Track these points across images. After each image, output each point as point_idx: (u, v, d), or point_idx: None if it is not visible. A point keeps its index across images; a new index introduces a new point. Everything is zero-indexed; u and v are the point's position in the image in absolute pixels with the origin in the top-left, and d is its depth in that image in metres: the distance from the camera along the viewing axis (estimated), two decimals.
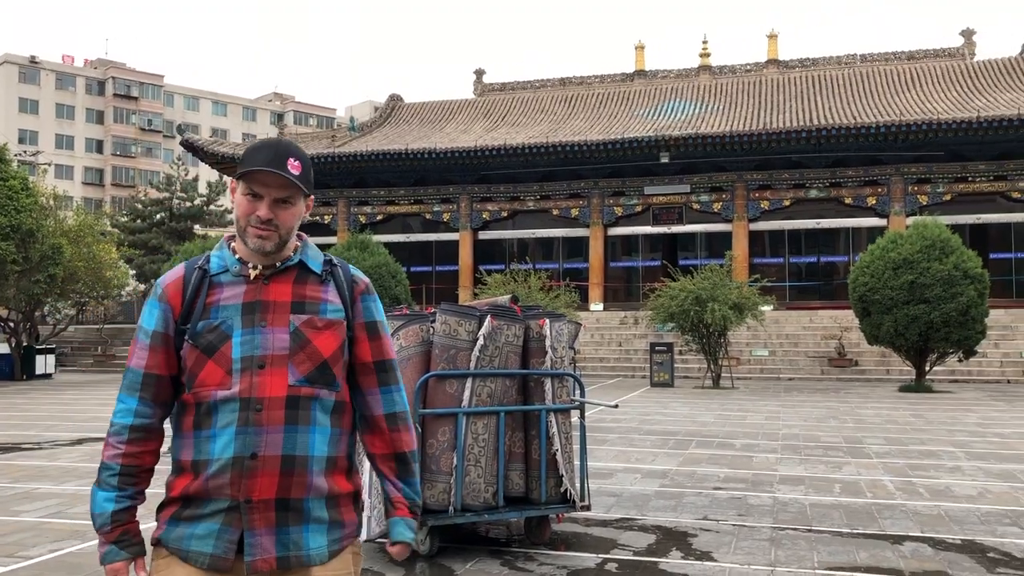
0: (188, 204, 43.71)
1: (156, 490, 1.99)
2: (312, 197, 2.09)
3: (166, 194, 43.70)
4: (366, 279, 2.16)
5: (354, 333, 2.09)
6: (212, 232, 39.80)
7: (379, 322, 2.14)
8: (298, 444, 1.95)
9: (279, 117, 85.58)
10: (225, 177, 40.04)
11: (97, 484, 1.99)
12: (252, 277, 2.01)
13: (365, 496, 5.25)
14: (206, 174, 49.32)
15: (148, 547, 2.01)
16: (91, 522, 2.00)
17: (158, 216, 43.37)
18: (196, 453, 1.95)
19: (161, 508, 2.01)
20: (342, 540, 2.03)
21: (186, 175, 44.60)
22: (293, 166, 1.99)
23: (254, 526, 1.92)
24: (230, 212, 47.55)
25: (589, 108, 36.11)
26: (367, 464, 4.48)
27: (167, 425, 2.06)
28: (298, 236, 2.09)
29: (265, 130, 78.86)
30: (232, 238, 2.09)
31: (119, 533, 1.97)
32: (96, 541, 2.00)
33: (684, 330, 21.20)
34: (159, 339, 2.01)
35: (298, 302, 2.02)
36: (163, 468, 1.98)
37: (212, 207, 44.94)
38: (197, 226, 43.68)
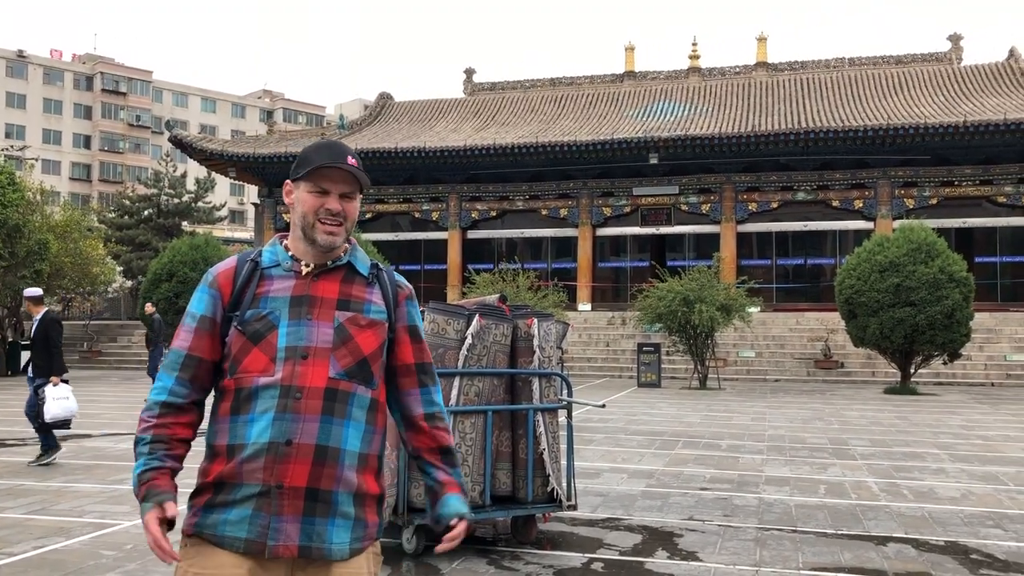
0: (176, 201, 43.47)
1: (188, 486, 2.00)
2: (362, 193, 2.19)
3: (154, 190, 43.45)
4: (409, 286, 2.26)
5: (396, 335, 2.18)
6: (200, 229, 39.62)
7: (420, 326, 2.25)
8: (332, 435, 2.01)
9: (268, 114, 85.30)
10: (213, 173, 39.84)
11: (135, 458, 2.05)
12: (303, 273, 2.10)
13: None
14: (194, 170, 49.04)
15: (181, 508, 2.03)
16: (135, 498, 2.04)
17: (146, 212, 43.11)
18: (232, 437, 2.01)
19: (194, 496, 2.05)
20: (364, 540, 2.07)
21: (174, 171, 44.36)
22: (352, 162, 2.11)
23: (282, 512, 1.96)
24: (218, 208, 47.36)
25: (579, 108, 36.15)
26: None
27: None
28: (347, 240, 2.17)
29: (254, 127, 78.50)
30: (283, 236, 2.19)
31: (146, 489, 1.99)
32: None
33: (671, 331, 21.26)
34: (206, 323, 2.09)
35: (344, 300, 2.10)
36: (193, 462, 1.99)
37: (200, 204, 44.71)
38: (185, 223, 43.46)
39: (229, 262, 2.16)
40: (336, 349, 2.04)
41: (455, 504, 2.16)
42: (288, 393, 1.99)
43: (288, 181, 2.17)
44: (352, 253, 2.17)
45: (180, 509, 1.97)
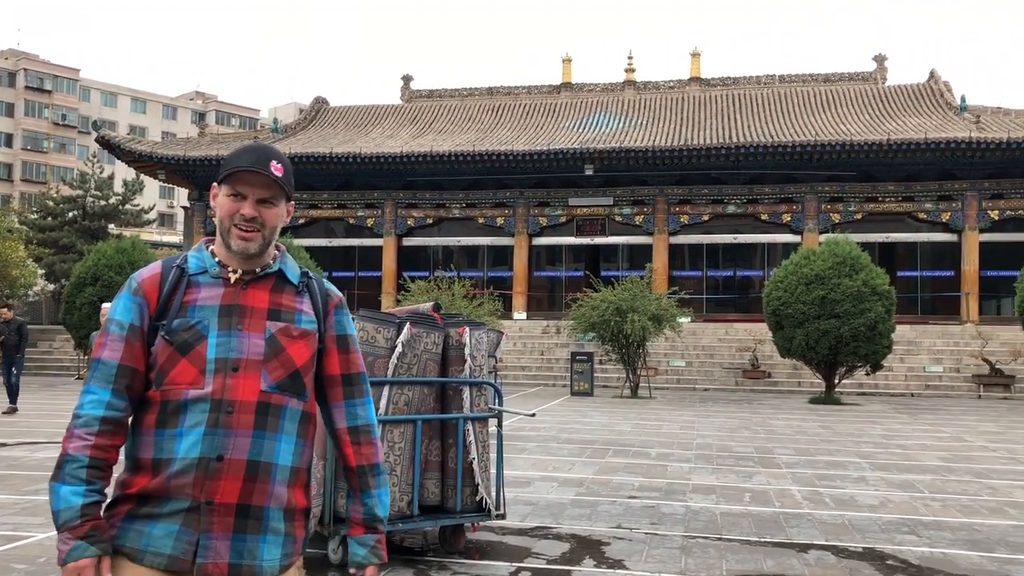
0: (103, 203, 42.30)
1: None
2: (293, 202, 2.14)
3: (79, 191, 42.22)
4: (339, 293, 2.20)
5: (325, 345, 2.12)
6: (127, 232, 38.61)
7: (350, 335, 2.18)
8: (264, 450, 1.96)
9: (201, 116, 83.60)
10: (142, 175, 38.89)
11: (58, 479, 1.89)
12: (232, 281, 2.04)
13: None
14: (123, 172, 47.76)
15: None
16: (52, 520, 1.90)
17: (70, 214, 41.86)
18: (157, 451, 1.93)
19: (111, 506, 1.96)
20: (292, 555, 2.03)
21: (101, 172, 43.18)
22: (276, 168, 2.05)
23: (211, 529, 1.91)
24: (147, 211, 46.25)
25: (516, 118, 36.32)
26: None
27: None
28: (276, 246, 2.13)
29: (186, 129, 76.86)
30: (210, 241, 2.11)
31: (88, 528, 1.87)
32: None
33: (604, 340, 21.46)
34: (135, 332, 2.00)
35: (274, 309, 2.05)
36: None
37: (128, 206, 43.60)
38: (112, 225, 42.32)
39: (154, 267, 2.08)
40: (268, 361, 1.99)
41: (357, 552, 2.11)
42: (219, 407, 1.93)
43: (215, 184, 2.11)
44: (282, 260, 2.12)
45: None
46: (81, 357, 27.13)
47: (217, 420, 1.93)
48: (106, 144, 33.14)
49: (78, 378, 26.86)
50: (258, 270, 2.07)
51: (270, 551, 1.97)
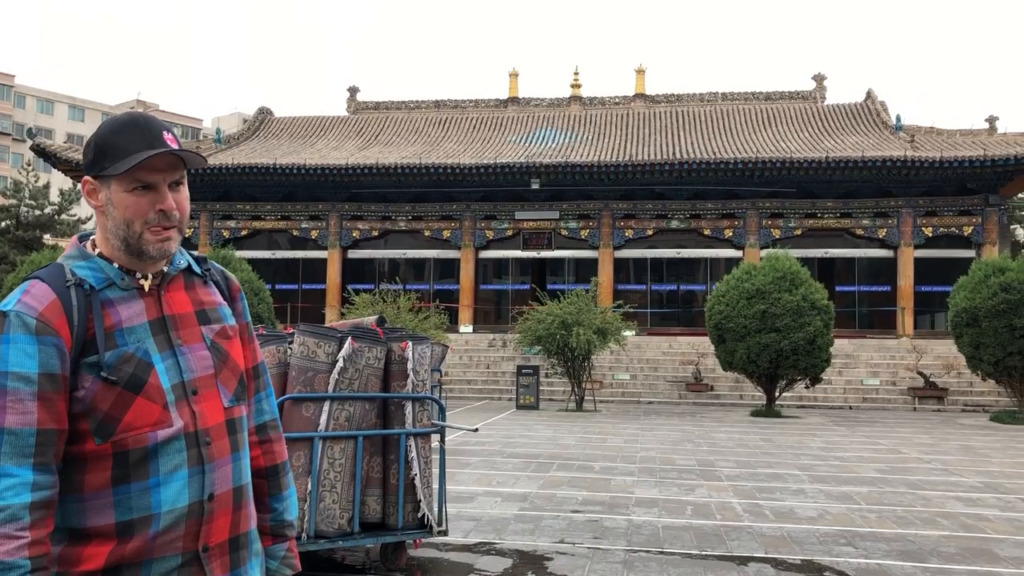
0: (38, 212, 41.26)
1: None
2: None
3: (13, 201, 41.12)
4: (235, 277, 1.96)
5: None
6: (63, 243, 37.66)
7: (250, 323, 1.94)
8: (243, 472, 1.77)
9: None
10: (79, 185, 38.03)
11: None
12: (146, 288, 1.72)
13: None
14: (59, 181, 46.71)
15: None
16: None
17: (3, 224, 40.73)
18: (123, 513, 1.60)
19: None
20: (264, 571, 1.88)
21: (36, 181, 42.13)
22: (171, 139, 1.71)
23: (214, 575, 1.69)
24: (84, 222, 45.16)
25: (463, 132, 36.35)
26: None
27: None
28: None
29: None
30: (86, 243, 1.75)
31: None
32: None
33: (550, 353, 21.51)
34: (50, 383, 1.58)
35: (200, 311, 1.78)
36: None
37: (65, 216, 42.58)
38: (48, 236, 41.26)
39: (42, 293, 1.63)
40: (219, 373, 1.75)
41: (268, 565, 1.91)
42: (196, 441, 1.67)
43: (88, 178, 1.72)
44: (181, 252, 1.81)
45: None
46: None
47: (200, 456, 1.67)
48: (41, 152, 32.31)
49: None
50: (165, 268, 1.75)
51: (255, 574, 1.81)
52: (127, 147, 1.67)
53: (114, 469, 1.61)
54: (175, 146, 1.70)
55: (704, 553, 6.53)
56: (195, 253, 1.88)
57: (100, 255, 1.72)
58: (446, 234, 32.62)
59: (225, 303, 1.85)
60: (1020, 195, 34.84)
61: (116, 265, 1.72)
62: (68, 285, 1.65)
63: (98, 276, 1.70)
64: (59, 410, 1.59)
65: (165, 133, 1.71)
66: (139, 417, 1.63)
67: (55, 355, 1.60)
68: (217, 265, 1.90)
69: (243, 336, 1.89)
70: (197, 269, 1.83)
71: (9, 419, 1.54)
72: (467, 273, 32.48)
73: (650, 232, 31.67)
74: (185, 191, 1.76)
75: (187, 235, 33.46)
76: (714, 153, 30.06)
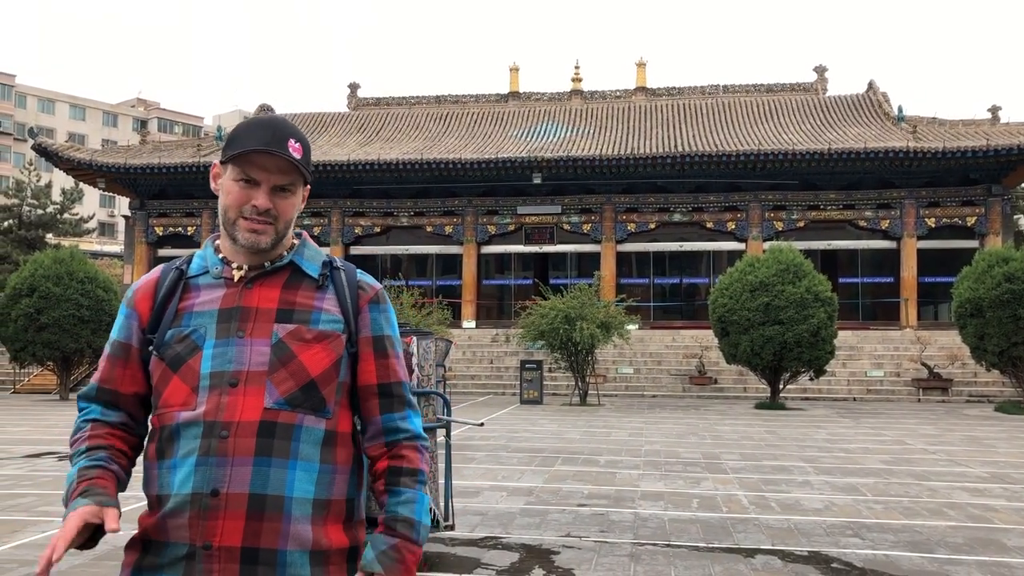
0: (40, 212, 41.28)
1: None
2: (309, 186, 1.84)
3: (15, 200, 41.14)
4: (377, 285, 1.84)
5: (358, 349, 1.77)
6: (66, 242, 37.68)
7: (387, 337, 1.81)
8: (271, 481, 1.62)
9: (142, 124, 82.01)
10: (81, 184, 38.01)
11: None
12: (235, 279, 1.74)
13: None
14: (61, 180, 46.66)
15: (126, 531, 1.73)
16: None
17: (6, 223, 40.76)
18: (159, 487, 1.66)
19: (127, 549, 1.70)
20: None
21: (38, 181, 42.16)
22: (294, 148, 1.73)
23: None
24: (86, 221, 45.18)
25: (464, 127, 36.30)
26: None
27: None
28: (296, 234, 1.83)
29: (127, 137, 75.28)
30: (218, 236, 1.81)
31: (85, 485, 1.62)
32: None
33: (553, 348, 21.51)
34: (120, 350, 1.77)
35: (285, 309, 1.72)
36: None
37: (67, 215, 42.60)
38: (50, 235, 41.30)
39: (152, 274, 1.82)
40: (274, 372, 1.66)
41: (365, 554, 1.71)
42: (212, 431, 1.62)
43: (216, 162, 1.80)
44: (299, 251, 1.80)
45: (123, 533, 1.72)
46: (16, 370, 26.35)
47: (209, 447, 1.62)
48: (43, 152, 32.31)
49: (13, 392, 26.09)
50: (267, 264, 1.76)
51: None
52: (245, 141, 1.73)
53: (158, 442, 1.70)
54: (296, 156, 1.74)
55: (711, 546, 6.53)
56: (330, 256, 1.85)
57: (216, 247, 1.81)
58: (448, 230, 32.61)
59: (335, 310, 1.76)
60: (1023, 185, 34.74)
61: (220, 256, 1.79)
62: (172, 268, 1.81)
63: (199, 264, 1.81)
64: (120, 375, 1.77)
65: (291, 141, 1.74)
66: (172, 395, 1.69)
67: (133, 328, 1.78)
68: (357, 274, 1.84)
69: (369, 350, 1.79)
70: (311, 271, 1.79)
71: (95, 374, 1.81)
72: (469, 268, 32.47)
73: (652, 226, 31.63)
74: (293, 199, 1.77)
75: (189, 233, 33.56)
76: (716, 146, 30.01)
